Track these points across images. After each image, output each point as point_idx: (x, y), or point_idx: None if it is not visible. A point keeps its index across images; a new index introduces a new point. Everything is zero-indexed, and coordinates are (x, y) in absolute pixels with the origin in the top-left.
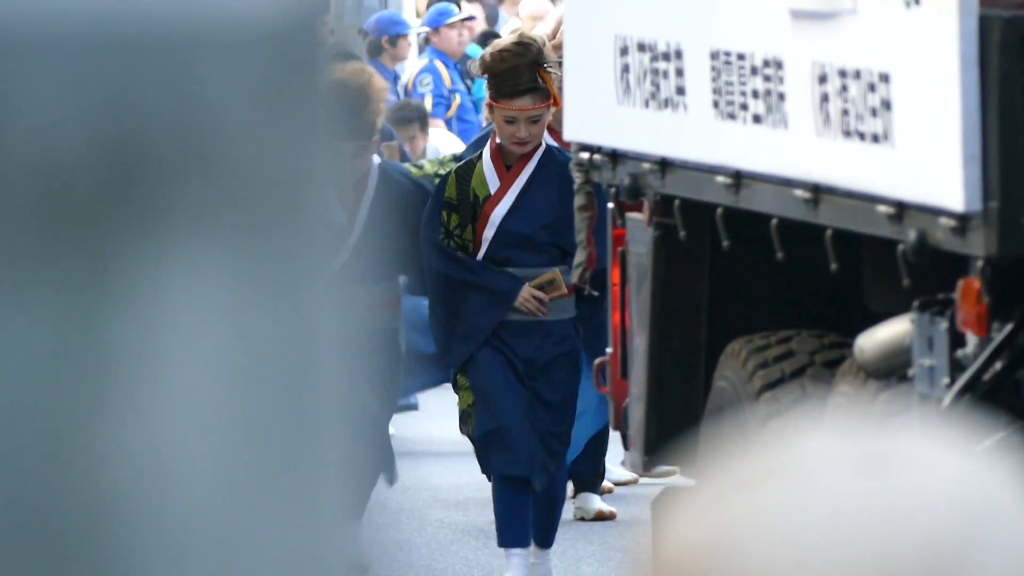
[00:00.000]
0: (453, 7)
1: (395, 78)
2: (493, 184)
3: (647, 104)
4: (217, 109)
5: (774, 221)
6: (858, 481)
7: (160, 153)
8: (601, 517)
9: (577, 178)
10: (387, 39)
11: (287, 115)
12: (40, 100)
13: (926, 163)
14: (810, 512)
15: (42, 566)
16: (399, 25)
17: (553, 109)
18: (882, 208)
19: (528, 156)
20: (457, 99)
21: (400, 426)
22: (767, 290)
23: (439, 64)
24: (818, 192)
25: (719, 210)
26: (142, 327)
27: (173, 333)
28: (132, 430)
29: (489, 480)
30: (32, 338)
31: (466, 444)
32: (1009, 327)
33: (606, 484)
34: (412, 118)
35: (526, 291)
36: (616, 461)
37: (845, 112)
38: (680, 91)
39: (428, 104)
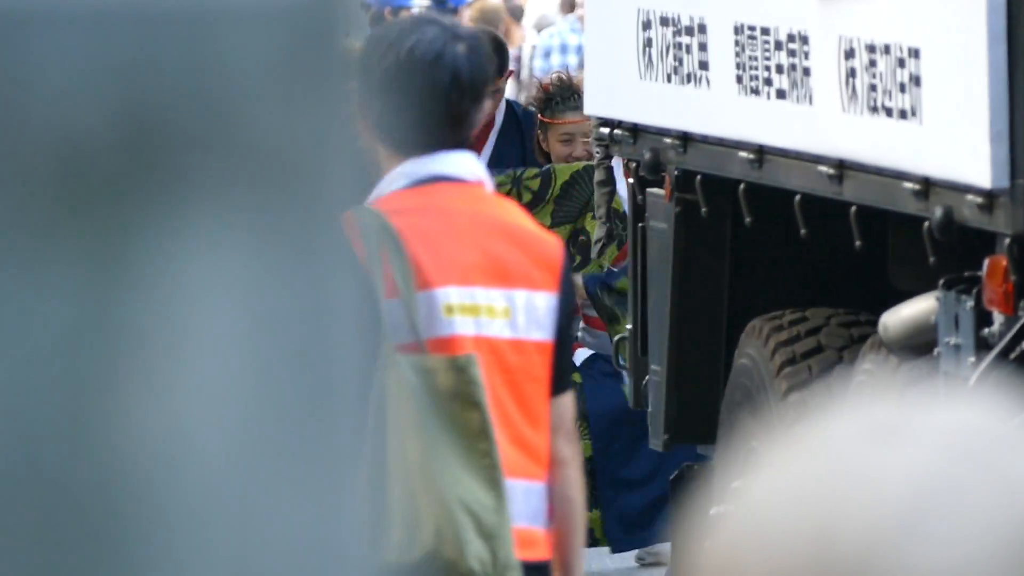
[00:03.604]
0: None
1: None
2: None
3: (669, 79)
4: (237, 82)
5: (797, 197)
6: (867, 450)
7: (179, 127)
8: None
9: (597, 153)
10: (390, 11)
11: (308, 89)
12: (58, 72)
13: (953, 139)
14: (825, 488)
15: (61, 543)
16: None
17: None
18: (908, 184)
19: None
20: None
21: None
22: (789, 267)
23: None
24: (843, 168)
25: (741, 186)
26: (160, 302)
27: (191, 308)
28: (150, 406)
29: None
30: (50, 314)
31: None
32: None
33: None
34: None
35: None
36: None
37: (872, 87)
38: (703, 66)
39: None
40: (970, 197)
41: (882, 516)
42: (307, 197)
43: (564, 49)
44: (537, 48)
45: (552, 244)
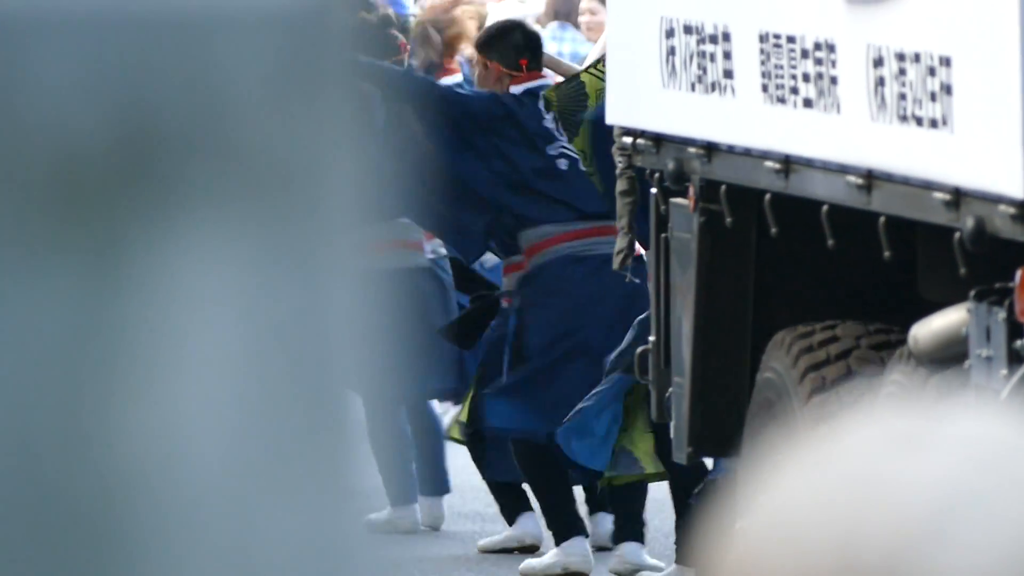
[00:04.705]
0: None
1: None
2: None
3: (693, 87)
4: (233, 90)
5: (825, 208)
6: (893, 459)
7: (175, 134)
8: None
9: (620, 163)
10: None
11: (304, 96)
12: (54, 79)
13: (985, 149)
14: (851, 495)
15: (59, 547)
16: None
17: None
18: (938, 195)
19: None
20: None
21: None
22: (816, 278)
23: None
24: (872, 178)
25: (767, 196)
26: (156, 308)
27: (187, 314)
28: (146, 412)
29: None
30: (46, 320)
31: None
32: None
33: None
34: None
35: None
36: None
37: (902, 96)
38: (728, 74)
39: None
40: (1002, 207)
41: (908, 524)
42: (303, 203)
43: None
44: None
45: None
